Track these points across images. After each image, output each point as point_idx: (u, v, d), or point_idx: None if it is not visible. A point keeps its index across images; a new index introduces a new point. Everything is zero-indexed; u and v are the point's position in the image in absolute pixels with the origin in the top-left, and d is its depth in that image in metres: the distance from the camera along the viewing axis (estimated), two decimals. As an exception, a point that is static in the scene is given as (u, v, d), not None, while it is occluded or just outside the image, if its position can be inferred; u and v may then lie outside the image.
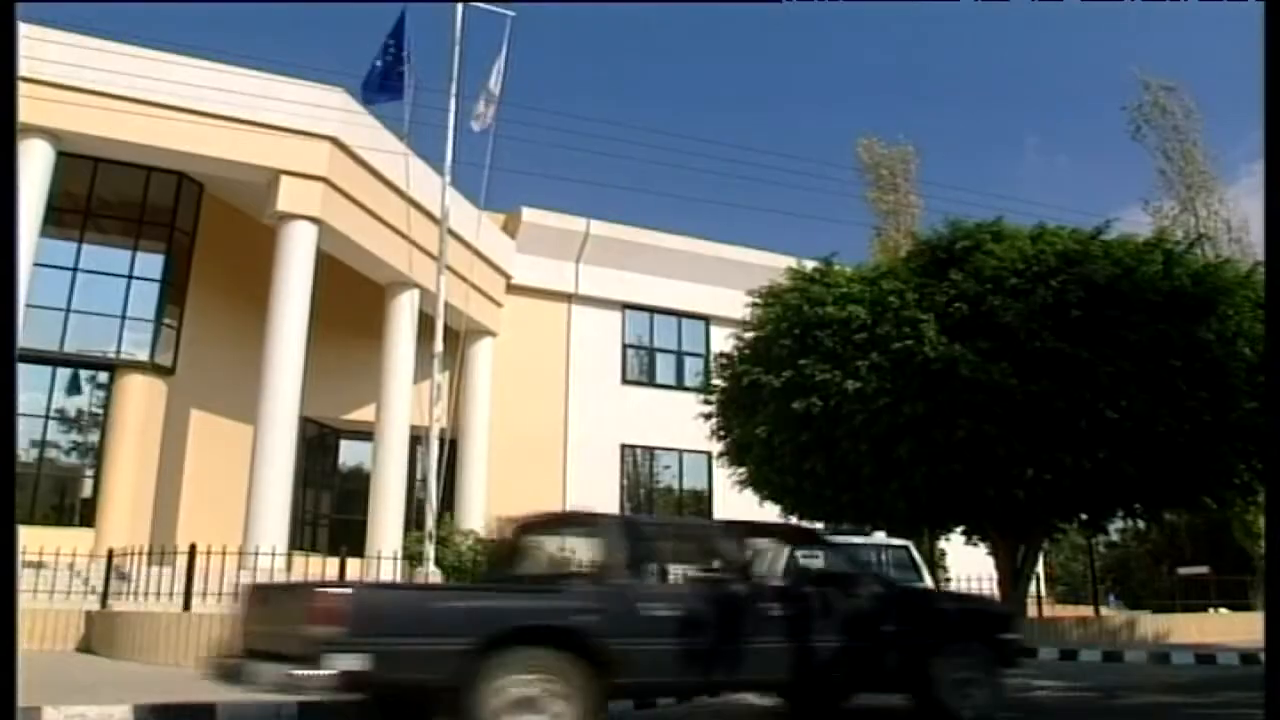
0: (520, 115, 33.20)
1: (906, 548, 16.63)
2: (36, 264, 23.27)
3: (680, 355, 36.19)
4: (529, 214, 33.81)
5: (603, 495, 33.03)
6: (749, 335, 23.99)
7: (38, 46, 22.44)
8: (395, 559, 18.91)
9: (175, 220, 27.50)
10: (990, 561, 24.06)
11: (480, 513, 28.99)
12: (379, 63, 18.98)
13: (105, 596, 16.14)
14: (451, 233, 19.83)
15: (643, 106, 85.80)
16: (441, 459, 16.47)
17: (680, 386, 34.73)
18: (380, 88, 19.13)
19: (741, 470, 24.59)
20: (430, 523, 16.10)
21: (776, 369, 21.73)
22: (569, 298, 34.71)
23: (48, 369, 25.62)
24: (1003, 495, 20.27)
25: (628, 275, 35.00)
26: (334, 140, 25.17)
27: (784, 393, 21.28)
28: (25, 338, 22.17)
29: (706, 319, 35.54)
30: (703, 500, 34.92)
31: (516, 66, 19.82)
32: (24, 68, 22.22)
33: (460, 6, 18.97)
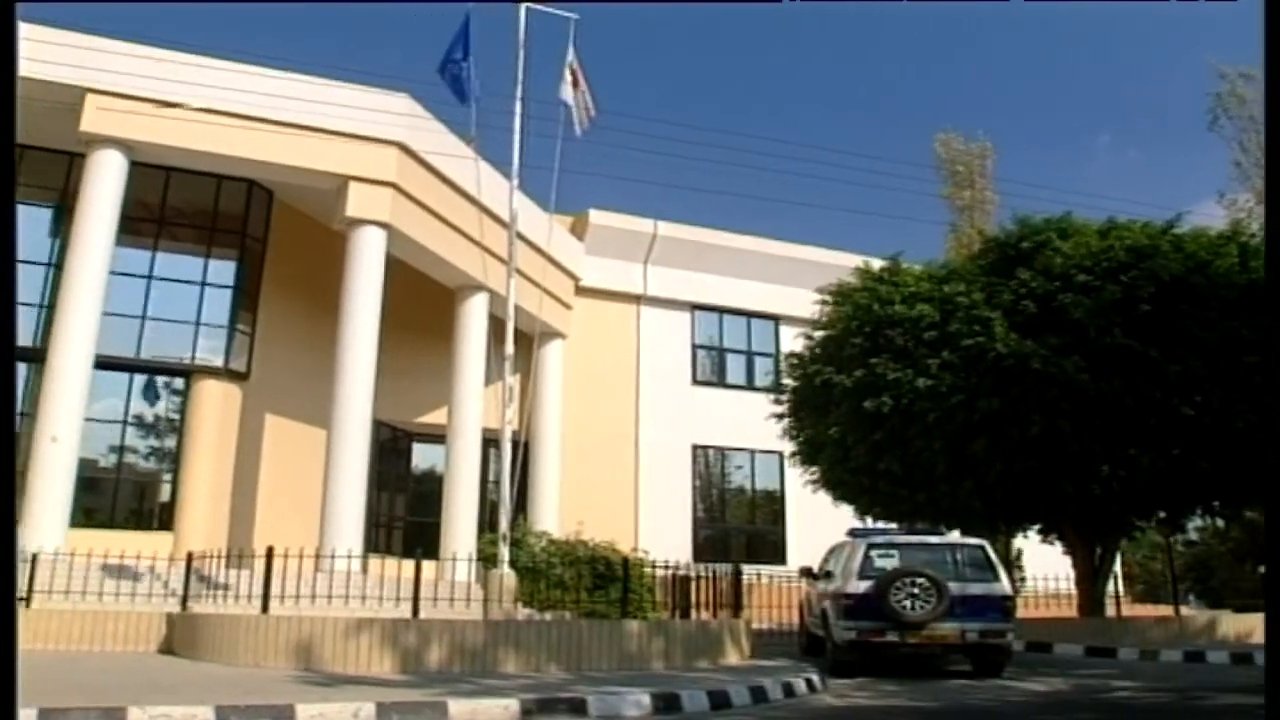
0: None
1: (982, 547, 16.35)
2: (112, 272, 23.55)
3: (750, 355, 36.07)
4: (597, 216, 33.86)
5: (675, 496, 33.02)
6: (819, 334, 23.93)
7: (106, 59, 22.86)
8: (470, 561, 18.95)
9: (246, 227, 27.86)
10: (1067, 560, 23.79)
11: (553, 514, 29.10)
12: (456, 66, 18.97)
13: (185, 599, 16.30)
14: (520, 236, 19.91)
15: (709, 106, 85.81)
16: (515, 461, 16.46)
17: (751, 387, 34.65)
18: (459, 93, 19.16)
19: (814, 470, 24.50)
20: (504, 524, 16.08)
21: (848, 368, 21.65)
22: (638, 299, 34.75)
23: (124, 375, 26.01)
24: (1079, 492, 20.06)
25: (696, 276, 34.95)
26: (401, 145, 25.34)
27: (856, 392, 21.19)
28: (102, 345, 22.58)
29: (776, 319, 35.40)
30: (776, 501, 34.77)
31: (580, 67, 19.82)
32: (95, 80, 22.69)
33: (523, 9, 18.97)
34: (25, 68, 22.01)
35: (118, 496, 26.07)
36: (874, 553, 16.09)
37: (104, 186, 23.30)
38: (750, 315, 35.96)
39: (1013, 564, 27.68)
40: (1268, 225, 8.30)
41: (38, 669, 12.31)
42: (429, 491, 30.40)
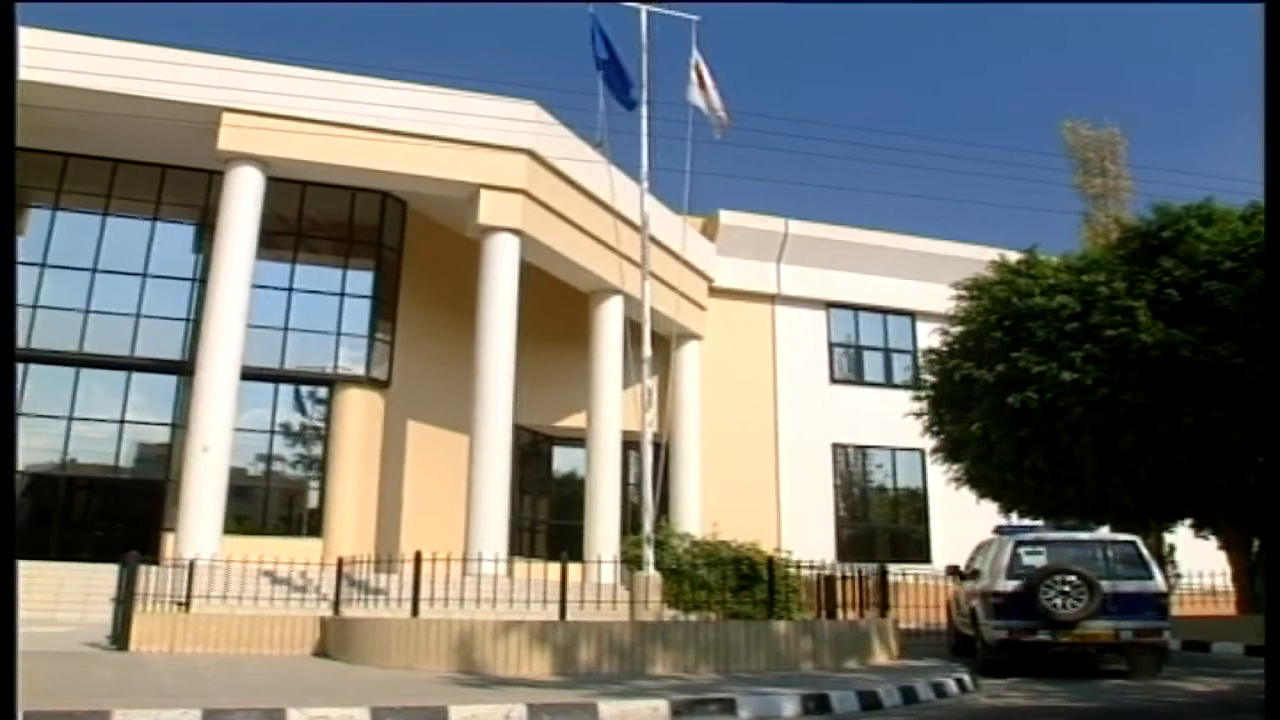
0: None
1: (1133, 543, 15.84)
2: (254, 286, 24.21)
3: (887, 352, 35.75)
4: (727, 216, 33.86)
5: (816, 495, 32.84)
6: (957, 330, 23.53)
7: (240, 78, 23.60)
8: (615, 563, 19.03)
9: (382, 238, 28.45)
10: (1223, 555, 23.07)
11: (695, 515, 29.13)
12: (612, 69, 19.01)
13: (337, 603, 16.61)
14: (653, 239, 19.95)
15: (834, 101, 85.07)
16: (656, 463, 16.43)
17: (889, 384, 34.35)
18: (624, 98, 19.18)
19: (957, 467, 24.09)
20: (648, 526, 16.05)
21: (988, 363, 21.27)
22: (772, 298, 34.74)
23: (270, 386, 26.70)
24: (1234, 484, 19.42)
25: (830, 274, 34.76)
26: (530, 153, 25.64)
27: (998, 387, 20.80)
28: (247, 356, 23.23)
29: (912, 314, 35.00)
30: (918, 499, 34.40)
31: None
32: (231, 99, 23.36)
33: (644, 12, 18.98)
34: (163, 90, 22.92)
35: (268, 503, 26.82)
36: (1022, 550, 15.73)
37: (242, 202, 24.01)
38: (886, 312, 35.64)
39: (1165, 560, 26.88)
40: (1268, 225, 8.03)
41: (199, 671, 12.65)
42: (570, 495, 30.70)
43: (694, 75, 19.68)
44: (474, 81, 27.75)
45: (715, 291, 33.66)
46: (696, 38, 19.41)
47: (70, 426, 26.12)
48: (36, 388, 26.00)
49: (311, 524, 26.64)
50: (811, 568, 17.72)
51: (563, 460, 32.96)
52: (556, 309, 28.67)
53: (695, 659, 13.65)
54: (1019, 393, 20.25)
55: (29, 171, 26.60)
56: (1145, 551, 15.74)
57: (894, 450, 33.98)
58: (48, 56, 22.62)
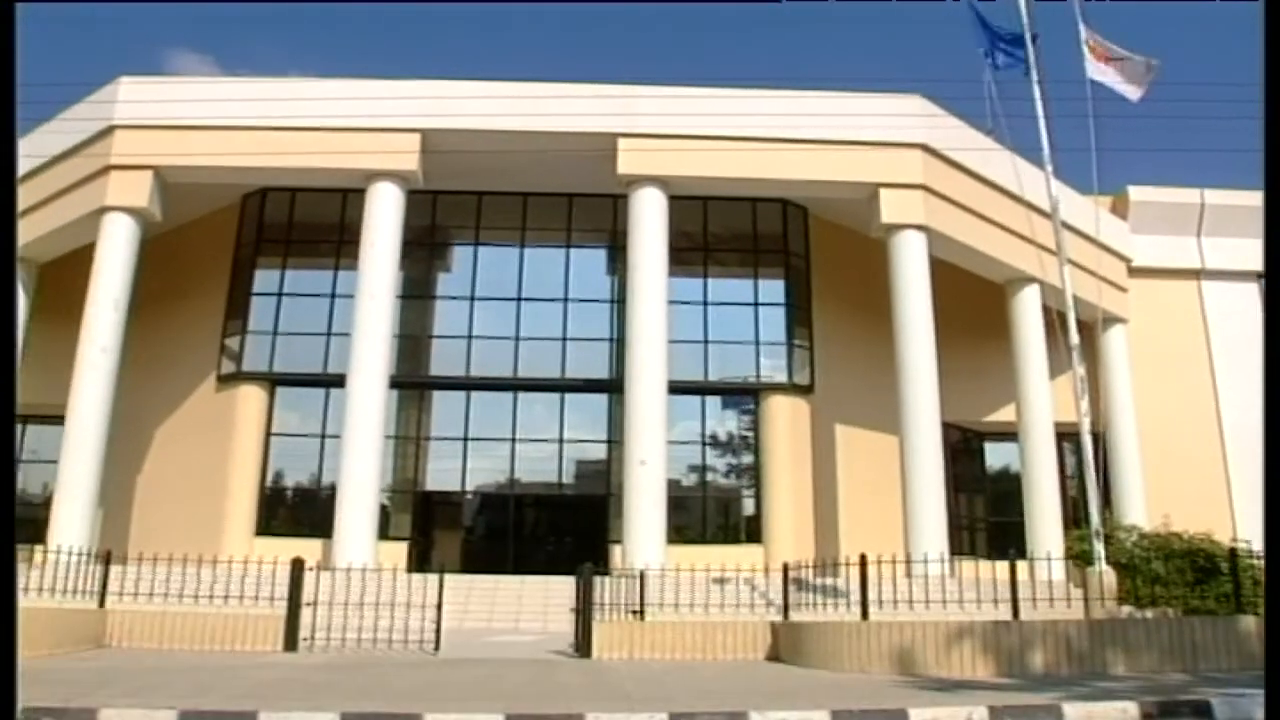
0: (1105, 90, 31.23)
1: None
2: (670, 302, 25.05)
3: (1333, 321, 32.95)
4: (1137, 192, 32.31)
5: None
6: None
7: (631, 103, 24.90)
8: (1063, 559, 18.51)
9: (787, 245, 28.83)
10: None
11: (1139, 506, 27.90)
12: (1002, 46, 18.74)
13: (786, 608, 16.86)
14: (1064, 223, 19.30)
15: (1218, 57, 79.08)
16: (1095, 454, 15.86)
17: (1340, 354, 31.68)
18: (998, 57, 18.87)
19: None
20: (1095, 520, 15.54)
21: None
22: (1197, 274, 32.89)
23: (696, 398, 27.59)
24: None
25: (1258, 243, 32.45)
26: (923, 147, 25.39)
27: None
28: (672, 371, 24.17)
29: (1360, 275, 32.16)
30: (1397, 478, 31.48)
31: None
32: (625, 125, 24.50)
33: (1023, -3, 18.55)
34: (561, 123, 24.42)
35: (705, 512, 27.64)
36: None
37: (649, 223, 24.97)
38: (1326, 276, 32.88)
39: None
40: (1266, 225, 6.98)
41: (658, 676, 13.18)
42: (1006, 490, 30.09)
43: (1087, 51, 19.08)
44: (852, 83, 27.70)
45: (1135, 272, 32.15)
46: (1080, 12, 18.83)
47: (514, 448, 27.89)
48: (479, 413, 27.95)
49: (750, 531, 27.20)
50: (1280, 557, 16.64)
51: (995, 456, 32.24)
52: (969, 302, 28.18)
53: (1158, 659, 13.10)
54: None
55: (450, 212, 28.83)
56: None
57: (1359, 424, 31.17)
58: (454, 105, 24.35)
